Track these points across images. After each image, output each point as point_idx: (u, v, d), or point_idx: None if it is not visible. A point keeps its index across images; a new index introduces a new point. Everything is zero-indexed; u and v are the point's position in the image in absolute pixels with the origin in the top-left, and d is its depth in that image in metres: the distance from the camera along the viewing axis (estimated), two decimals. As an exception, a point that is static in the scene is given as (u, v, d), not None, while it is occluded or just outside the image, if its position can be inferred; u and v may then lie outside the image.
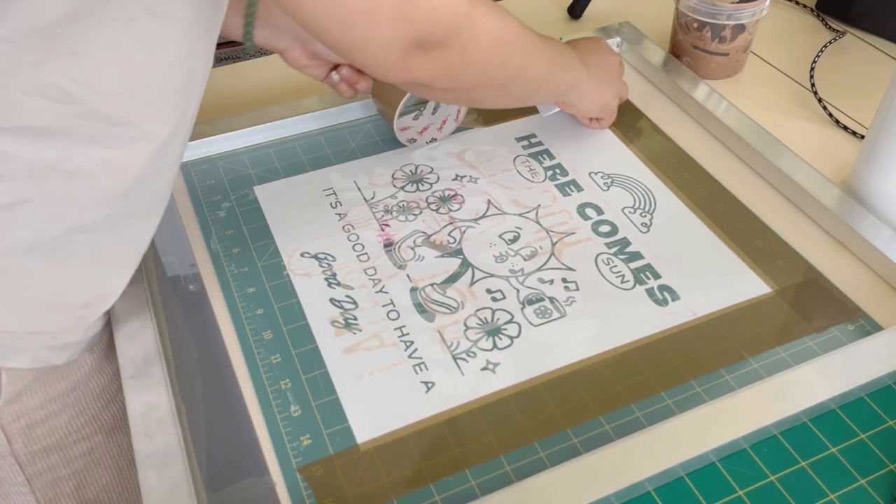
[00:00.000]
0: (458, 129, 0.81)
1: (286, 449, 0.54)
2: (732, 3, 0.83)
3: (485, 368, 0.59)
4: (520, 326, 0.62)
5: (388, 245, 0.69)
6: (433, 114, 0.80)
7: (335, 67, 0.72)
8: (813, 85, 0.87)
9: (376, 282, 0.65)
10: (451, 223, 0.71)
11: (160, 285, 0.65)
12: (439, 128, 0.79)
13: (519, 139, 0.80)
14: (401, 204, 0.73)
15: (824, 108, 0.84)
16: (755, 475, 0.52)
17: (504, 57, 0.60)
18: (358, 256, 0.68)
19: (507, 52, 0.60)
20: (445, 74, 0.56)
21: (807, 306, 0.63)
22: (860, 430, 0.55)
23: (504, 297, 0.64)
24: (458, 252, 0.68)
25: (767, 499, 0.51)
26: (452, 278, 0.65)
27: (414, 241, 0.69)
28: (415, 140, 0.79)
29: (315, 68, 0.72)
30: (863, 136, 0.79)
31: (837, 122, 0.82)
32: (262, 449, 0.54)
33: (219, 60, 0.70)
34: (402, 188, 0.74)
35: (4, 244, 0.51)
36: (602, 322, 0.62)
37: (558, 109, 0.80)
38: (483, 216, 0.71)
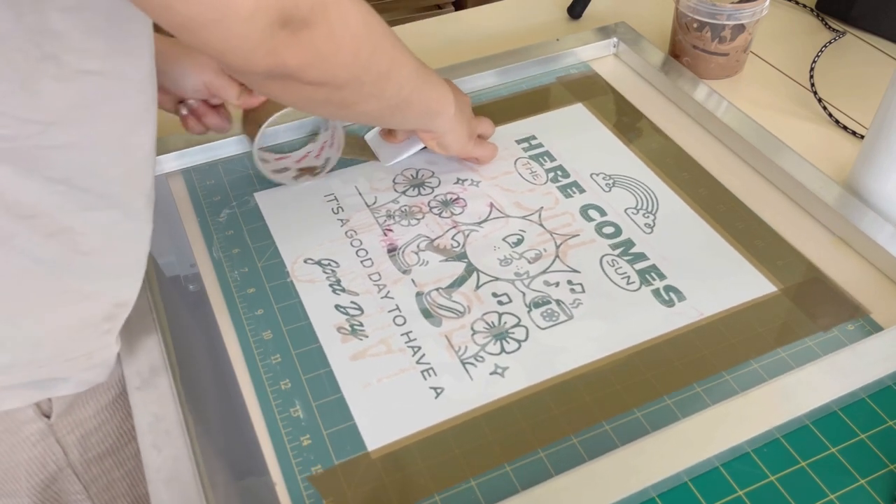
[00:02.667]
0: None
1: (286, 449, 0.54)
2: (732, 3, 0.84)
3: (493, 373, 0.58)
4: (527, 330, 0.61)
5: (392, 250, 0.68)
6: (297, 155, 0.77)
7: (182, 101, 0.69)
8: (813, 85, 0.88)
9: (381, 287, 0.65)
10: (454, 227, 0.70)
11: (161, 292, 0.65)
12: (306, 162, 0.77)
13: (519, 141, 0.80)
14: (403, 208, 0.72)
15: (824, 108, 0.84)
16: (755, 475, 0.52)
17: (375, 45, 0.56)
18: (362, 262, 0.67)
19: (378, 41, 0.56)
20: (316, 60, 0.51)
21: (809, 305, 0.63)
22: (860, 430, 0.55)
23: (510, 301, 0.64)
24: (463, 256, 0.68)
25: (768, 499, 0.51)
26: (458, 282, 0.65)
27: (417, 246, 0.68)
28: (279, 172, 0.75)
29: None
30: (863, 136, 0.80)
31: (837, 122, 0.82)
32: (263, 449, 0.54)
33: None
34: (404, 192, 0.74)
35: (10, 276, 0.50)
36: (609, 324, 0.62)
37: (404, 157, 0.76)
38: (486, 219, 0.71)
